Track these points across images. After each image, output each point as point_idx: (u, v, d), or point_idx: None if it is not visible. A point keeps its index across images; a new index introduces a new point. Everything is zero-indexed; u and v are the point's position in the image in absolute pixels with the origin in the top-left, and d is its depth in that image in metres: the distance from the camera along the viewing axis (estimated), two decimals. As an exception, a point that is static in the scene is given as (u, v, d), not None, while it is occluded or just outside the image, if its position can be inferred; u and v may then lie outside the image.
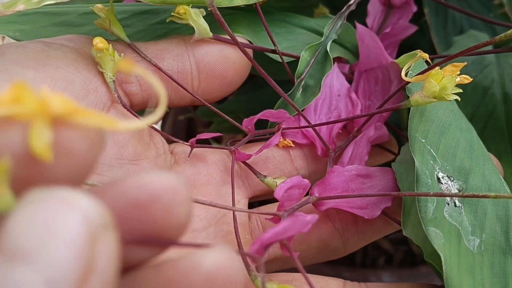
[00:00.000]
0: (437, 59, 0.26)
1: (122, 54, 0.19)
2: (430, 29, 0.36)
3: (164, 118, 0.54)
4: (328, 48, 0.24)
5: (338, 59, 0.27)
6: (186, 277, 0.09)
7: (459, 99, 0.17)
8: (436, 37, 0.35)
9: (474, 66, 0.28)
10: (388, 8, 0.28)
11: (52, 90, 0.16)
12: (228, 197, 0.19)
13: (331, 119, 0.24)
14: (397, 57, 0.27)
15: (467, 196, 0.14)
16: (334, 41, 0.27)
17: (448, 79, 0.16)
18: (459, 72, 0.17)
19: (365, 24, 0.28)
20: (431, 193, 0.15)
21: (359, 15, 0.29)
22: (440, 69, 0.17)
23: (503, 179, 0.18)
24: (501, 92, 0.26)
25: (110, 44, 0.18)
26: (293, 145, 0.22)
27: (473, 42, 0.29)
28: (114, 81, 0.18)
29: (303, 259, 0.20)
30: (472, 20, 0.36)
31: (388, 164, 0.21)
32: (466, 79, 0.17)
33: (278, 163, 0.22)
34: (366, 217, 0.18)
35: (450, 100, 0.17)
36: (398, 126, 0.27)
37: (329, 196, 0.18)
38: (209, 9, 0.17)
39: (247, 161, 0.21)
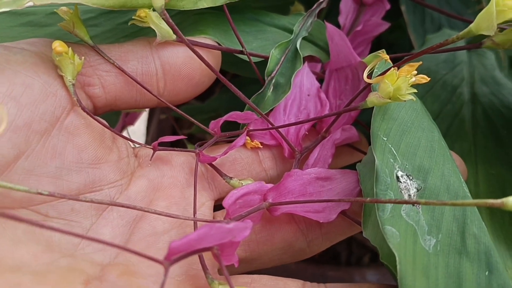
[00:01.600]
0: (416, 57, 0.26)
1: (83, 57, 0.19)
2: (408, 27, 0.36)
3: (150, 118, 0.54)
4: (298, 46, 0.24)
5: (310, 58, 0.27)
6: None
7: (414, 99, 0.17)
8: (414, 34, 0.36)
9: (445, 64, 0.28)
10: (360, 6, 0.28)
11: (9, 95, 0.16)
12: (193, 200, 0.19)
13: (301, 119, 0.24)
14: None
15: (424, 203, 0.14)
16: (306, 39, 0.27)
17: (402, 80, 0.17)
18: (416, 72, 0.17)
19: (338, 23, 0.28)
20: (386, 199, 0.15)
21: (337, 14, 0.29)
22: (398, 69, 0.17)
23: (462, 179, 0.18)
24: (469, 91, 0.26)
25: (70, 48, 0.18)
26: (261, 146, 0.22)
27: (445, 40, 0.29)
28: (73, 85, 0.18)
29: (268, 260, 0.20)
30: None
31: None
32: (423, 78, 0.17)
33: (246, 165, 0.22)
34: (321, 221, 0.18)
35: (404, 101, 0.17)
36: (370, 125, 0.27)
37: (281, 202, 0.18)
38: (161, 16, 0.17)
39: (213, 163, 0.21)
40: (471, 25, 0.16)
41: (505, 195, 0.22)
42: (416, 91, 0.17)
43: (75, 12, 0.20)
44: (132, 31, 0.23)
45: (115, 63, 0.19)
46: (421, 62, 0.17)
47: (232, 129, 0.23)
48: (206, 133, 0.39)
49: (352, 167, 0.21)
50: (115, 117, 0.33)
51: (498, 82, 0.28)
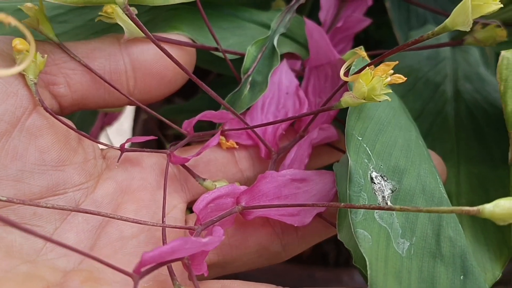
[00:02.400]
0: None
1: (46, 55, 0.18)
2: (393, 24, 0.35)
3: (136, 116, 0.53)
4: (275, 43, 0.24)
5: (290, 55, 0.26)
6: None
7: (389, 99, 0.16)
8: (399, 31, 0.35)
9: (428, 61, 0.27)
10: (341, 1, 0.28)
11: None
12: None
13: (279, 118, 0.23)
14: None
15: (399, 210, 0.14)
16: (286, 35, 0.26)
17: (377, 80, 0.16)
18: (392, 71, 0.17)
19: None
20: (357, 205, 0.15)
21: (319, 10, 0.28)
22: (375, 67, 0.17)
23: (439, 179, 0.17)
24: (452, 89, 0.26)
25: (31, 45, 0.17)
26: (237, 147, 0.21)
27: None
28: (35, 84, 0.17)
29: (242, 264, 0.19)
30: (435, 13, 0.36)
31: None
32: (399, 78, 0.17)
33: (220, 165, 0.21)
34: (295, 225, 0.18)
35: (379, 101, 0.16)
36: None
37: (254, 205, 0.17)
38: (124, 11, 0.16)
39: (186, 164, 0.20)
40: (447, 21, 0.15)
41: (487, 194, 0.22)
42: (391, 91, 0.16)
43: (40, 9, 0.19)
44: (103, 28, 0.23)
45: (81, 61, 0.19)
46: (397, 62, 0.17)
47: (212, 129, 0.23)
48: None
49: (331, 167, 0.20)
50: (92, 117, 0.32)
51: (482, 78, 0.28)
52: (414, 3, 0.30)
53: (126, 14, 0.16)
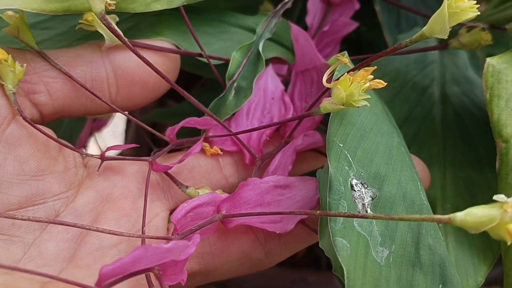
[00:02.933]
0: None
1: (25, 64, 0.18)
2: (382, 27, 0.35)
3: (128, 120, 0.53)
4: (260, 48, 0.23)
5: (276, 60, 0.26)
6: None
7: (368, 105, 0.16)
8: (389, 34, 0.35)
9: (416, 64, 0.27)
10: (328, 5, 0.27)
11: None
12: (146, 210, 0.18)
13: (264, 123, 0.23)
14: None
15: (372, 217, 0.14)
16: (273, 40, 0.26)
17: (355, 86, 0.16)
18: (372, 77, 0.16)
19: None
20: (336, 212, 0.15)
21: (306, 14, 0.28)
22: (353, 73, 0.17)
23: (420, 186, 0.17)
24: (440, 92, 0.26)
25: (10, 55, 0.17)
26: (221, 153, 0.21)
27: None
28: (14, 93, 0.17)
29: (225, 272, 0.19)
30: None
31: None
32: (379, 83, 0.17)
33: (205, 172, 0.21)
34: (278, 232, 0.17)
35: (358, 107, 0.16)
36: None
37: (235, 214, 0.17)
38: (101, 21, 0.16)
39: (170, 171, 0.20)
40: (424, 28, 0.15)
41: (473, 198, 0.22)
42: (371, 97, 0.16)
43: (20, 17, 0.19)
44: (86, 34, 0.22)
45: (62, 69, 0.19)
46: (375, 67, 0.17)
47: (198, 135, 0.22)
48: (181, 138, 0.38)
49: (316, 173, 0.20)
50: (81, 123, 0.32)
51: (470, 81, 0.27)
52: (402, 7, 0.30)
53: (103, 23, 0.16)
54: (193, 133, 0.25)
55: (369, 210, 0.16)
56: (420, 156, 0.23)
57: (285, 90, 0.25)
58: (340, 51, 0.47)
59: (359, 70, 0.17)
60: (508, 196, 0.18)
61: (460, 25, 0.24)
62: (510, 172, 0.17)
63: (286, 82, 0.26)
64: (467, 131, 0.25)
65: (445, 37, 0.15)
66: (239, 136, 0.21)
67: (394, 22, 0.35)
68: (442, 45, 0.23)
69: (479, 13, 0.14)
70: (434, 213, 0.21)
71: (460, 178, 0.22)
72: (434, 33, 0.15)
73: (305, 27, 0.27)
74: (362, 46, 0.50)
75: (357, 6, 0.28)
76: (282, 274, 0.40)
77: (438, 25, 0.15)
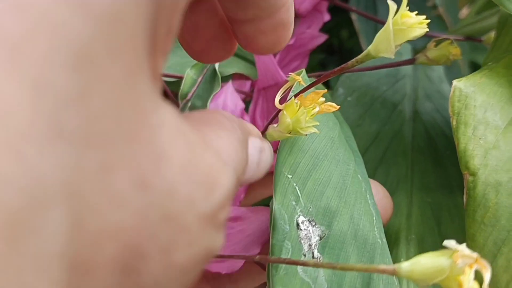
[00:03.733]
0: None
1: None
2: (359, 36, 0.34)
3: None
4: (216, 66, 0.22)
5: (238, 76, 0.25)
6: None
7: (317, 132, 0.15)
8: (366, 44, 0.34)
9: (387, 79, 0.26)
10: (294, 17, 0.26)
11: None
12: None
13: (221, 145, 0.21)
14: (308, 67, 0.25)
15: (313, 265, 0.12)
16: (235, 54, 0.25)
17: (301, 112, 0.14)
18: (323, 100, 0.15)
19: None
20: (276, 258, 0.13)
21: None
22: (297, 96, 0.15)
23: (375, 221, 0.16)
24: (411, 108, 0.24)
25: None
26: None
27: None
28: None
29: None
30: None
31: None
32: (332, 107, 0.15)
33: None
34: (223, 272, 0.16)
35: (305, 135, 0.15)
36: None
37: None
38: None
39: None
40: (370, 47, 0.14)
41: (439, 226, 0.20)
42: (318, 123, 0.15)
43: None
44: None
45: None
46: (326, 90, 0.15)
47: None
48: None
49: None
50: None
51: (444, 96, 0.26)
52: (373, 19, 0.29)
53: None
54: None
55: (316, 252, 0.14)
56: (387, 179, 0.22)
57: (247, 107, 0.23)
58: (320, 60, 0.46)
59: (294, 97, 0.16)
60: (473, 237, 0.16)
61: (429, 37, 0.23)
62: (478, 208, 0.16)
63: (249, 99, 0.24)
64: (438, 151, 0.23)
65: (392, 56, 0.13)
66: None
67: (372, 31, 0.34)
68: (409, 60, 0.21)
69: (427, 29, 0.13)
70: (398, 245, 0.19)
71: (427, 203, 0.21)
72: (379, 52, 0.13)
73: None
74: (344, 53, 0.48)
75: (326, 17, 0.27)
76: None
77: (383, 44, 0.13)
